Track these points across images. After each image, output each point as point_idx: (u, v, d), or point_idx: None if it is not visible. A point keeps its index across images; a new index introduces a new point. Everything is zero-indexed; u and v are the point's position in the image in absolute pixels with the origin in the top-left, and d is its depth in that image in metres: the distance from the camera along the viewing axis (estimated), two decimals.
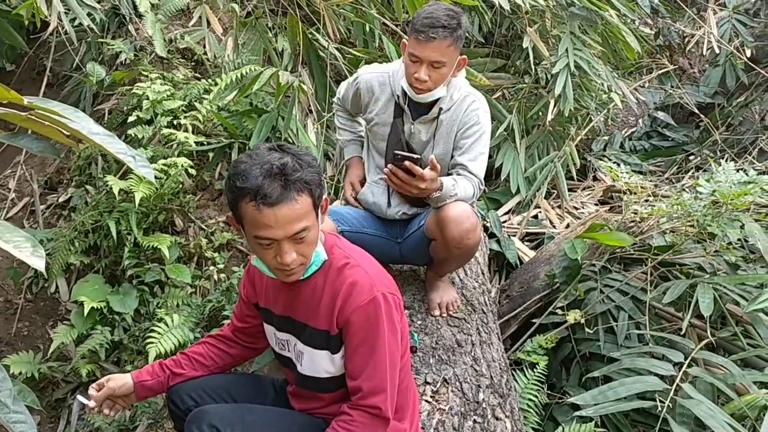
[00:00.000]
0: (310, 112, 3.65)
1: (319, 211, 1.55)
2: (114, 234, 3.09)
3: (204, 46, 3.87)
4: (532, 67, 4.32)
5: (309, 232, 1.50)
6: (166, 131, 3.28)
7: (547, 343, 2.79)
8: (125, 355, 3.00)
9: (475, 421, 2.08)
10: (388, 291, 1.61)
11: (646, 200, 3.21)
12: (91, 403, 1.81)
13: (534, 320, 2.97)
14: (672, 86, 5.76)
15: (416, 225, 2.43)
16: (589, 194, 4.55)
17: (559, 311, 2.85)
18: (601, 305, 2.82)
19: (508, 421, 2.17)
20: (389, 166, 2.17)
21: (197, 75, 3.89)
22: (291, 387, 1.85)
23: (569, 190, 4.35)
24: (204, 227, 3.40)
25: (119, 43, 3.85)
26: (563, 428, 2.41)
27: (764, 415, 2.10)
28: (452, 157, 2.36)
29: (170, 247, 3.11)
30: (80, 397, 1.86)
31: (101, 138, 1.07)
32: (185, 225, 3.40)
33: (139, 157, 1.12)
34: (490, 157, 3.14)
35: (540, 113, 4.39)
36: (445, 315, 2.50)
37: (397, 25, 4.03)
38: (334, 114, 2.71)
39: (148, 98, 3.40)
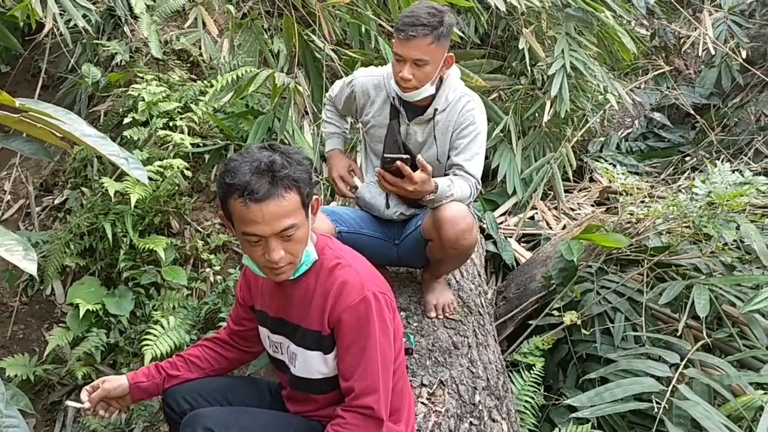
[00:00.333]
0: (306, 113, 3.65)
1: (309, 210, 1.55)
2: (110, 236, 3.08)
3: (200, 48, 3.87)
4: (528, 68, 4.32)
5: (297, 230, 1.50)
6: (161, 133, 3.27)
7: (543, 344, 2.79)
8: (121, 358, 2.99)
9: (471, 424, 2.08)
10: (379, 290, 1.61)
11: (642, 201, 3.22)
12: (86, 405, 1.80)
13: (530, 322, 2.97)
14: (668, 87, 5.76)
15: (413, 225, 2.43)
16: (585, 195, 4.55)
17: (555, 313, 2.85)
18: (598, 306, 2.82)
19: (504, 423, 2.17)
20: (376, 169, 2.17)
21: (193, 76, 3.88)
22: (285, 391, 1.84)
23: (565, 191, 4.36)
24: (200, 229, 3.39)
25: (115, 45, 3.84)
26: (560, 430, 2.40)
27: (760, 416, 2.10)
28: (449, 157, 2.36)
29: (166, 249, 3.10)
30: (70, 402, 1.86)
31: (93, 140, 1.07)
32: (181, 227, 3.40)
33: (131, 159, 1.11)
34: (486, 158, 3.14)
35: (536, 114, 4.40)
36: (441, 317, 2.50)
37: (392, 26, 4.03)
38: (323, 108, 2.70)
39: (143, 100, 3.39)
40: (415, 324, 2.47)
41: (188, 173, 3.25)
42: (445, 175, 2.33)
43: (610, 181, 4.02)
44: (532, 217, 4.11)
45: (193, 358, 1.88)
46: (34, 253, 0.97)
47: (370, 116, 2.41)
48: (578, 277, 2.94)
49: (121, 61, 3.88)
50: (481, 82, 3.73)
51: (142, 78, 3.56)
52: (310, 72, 3.71)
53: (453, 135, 2.33)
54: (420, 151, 2.35)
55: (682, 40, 5.88)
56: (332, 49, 3.64)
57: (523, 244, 3.79)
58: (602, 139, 5.49)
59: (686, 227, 2.93)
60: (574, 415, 2.29)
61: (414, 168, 2.09)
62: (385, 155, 2.15)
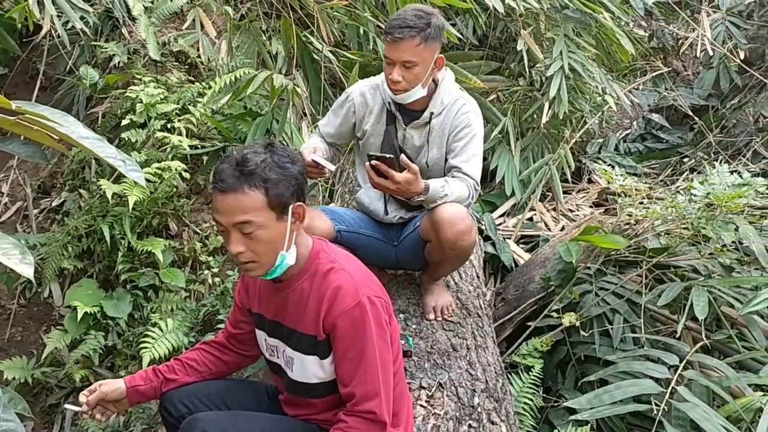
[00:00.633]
0: (305, 115, 3.64)
1: (286, 215, 1.54)
2: (108, 238, 3.08)
3: (198, 49, 3.86)
4: (527, 69, 4.32)
5: (258, 230, 1.50)
6: (159, 135, 3.26)
7: (542, 346, 2.79)
8: (119, 360, 2.99)
9: (470, 426, 2.07)
10: (374, 294, 1.60)
11: (641, 202, 3.21)
12: (84, 407, 1.79)
13: (529, 323, 2.96)
14: (666, 88, 5.76)
15: (412, 227, 2.43)
16: (583, 197, 4.55)
17: (554, 314, 2.85)
18: (596, 308, 2.82)
19: (503, 426, 2.16)
20: (366, 163, 2.18)
21: (191, 78, 3.88)
22: (283, 395, 1.83)
23: (564, 192, 4.35)
24: (198, 231, 3.38)
25: (112, 47, 3.84)
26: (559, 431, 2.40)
27: (759, 417, 2.10)
28: (446, 160, 2.37)
29: (164, 251, 3.10)
30: (68, 406, 1.86)
31: (90, 142, 1.06)
32: (179, 229, 3.39)
33: (129, 162, 1.11)
34: (485, 159, 3.14)
35: (534, 116, 4.39)
36: (440, 319, 2.50)
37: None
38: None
39: (141, 101, 3.39)
40: (413, 326, 2.46)
41: (186, 175, 3.25)
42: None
43: (608, 183, 4.01)
44: (530, 219, 4.11)
45: (191, 362, 1.88)
46: (31, 256, 0.97)
47: (369, 125, 2.41)
48: (577, 279, 2.94)
49: (119, 62, 3.88)
50: (479, 83, 3.73)
51: (140, 80, 3.56)
52: (308, 73, 3.70)
53: (449, 138, 2.35)
54: (418, 155, 2.36)
55: (680, 42, 5.88)
56: (330, 51, 3.64)
57: (521, 246, 3.78)
58: (600, 140, 5.49)
59: (685, 229, 2.93)
60: (573, 417, 2.29)
61: (396, 167, 2.11)
62: (369, 154, 2.18)
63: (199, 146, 3.41)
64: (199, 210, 3.49)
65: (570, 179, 4.59)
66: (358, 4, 3.74)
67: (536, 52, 4.10)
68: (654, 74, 5.82)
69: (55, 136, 1.06)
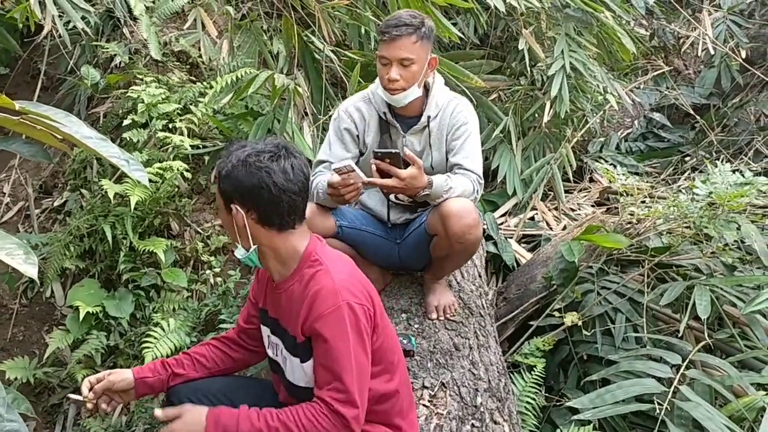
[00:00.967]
0: (306, 114, 3.64)
1: (230, 210, 1.62)
2: (109, 238, 3.07)
3: (199, 49, 3.86)
4: (528, 68, 4.32)
5: (223, 221, 1.70)
6: (161, 135, 3.26)
7: (544, 345, 2.79)
8: (121, 360, 2.99)
9: (473, 425, 2.07)
10: (355, 301, 1.57)
11: (643, 202, 3.21)
12: (90, 395, 1.78)
13: (531, 322, 2.96)
14: (667, 87, 5.76)
15: (417, 223, 2.44)
16: (585, 196, 4.54)
17: (556, 313, 2.85)
18: (599, 307, 2.82)
19: (506, 425, 2.16)
20: (370, 160, 2.18)
21: (192, 78, 3.87)
22: (281, 396, 1.83)
23: (565, 191, 4.35)
24: (200, 231, 3.38)
25: (114, 46, 3.83)
26: (561, 431, 2.40)
27: (762, 416, 2.10)
28: (447, 160, 2.39)
29: (166, 251, 3.10)
30: (73, 396, 1.85)
31: (94, 142, 1.06)
32: (181, 229, 3.39)
33: (132, 161, 1.11)
34: (486, 159, 3.14)
35: (536, 115, 4.39)
36: (442, 318, 2.50)
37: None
38: (313, 176, 2.38)
39: (143, 101, 3.39)
40: (416, 326, 2.46)
41: (188, 175, 3.24)
42: None
43: (610, 182, 4.01)
44: (532, 218, 4.11)
45: (199, 357, 1.89)
46: (35, 256, 0.97)
47: (370, 138, 2.42)
48: (579, 278, 2.94)
49: (120, 62, 3.88)
50: (480, 82, 3.72)
51: (142, 80, 3.56)
52: (309, 73, 3.70)
53: (448, 137, 2.37)
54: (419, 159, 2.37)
55: (681, 41, 5.88)
56: (332, 51, 3.63)
57: (523, 245, 3.78)
58: (602, 139, 5.49)
59: (687, 228, 2.93)
60: (575, 417, 2.29)
61: (406, 164, 2.13)
62: (374, 150, 2.18)
63: (201, 146, 3.41)
64: (200, 210, 3.48)
65: (571, 178, 4.59)
66: (360, 4, 3.73)
67: (537, 51, 4.10)
68: (655, 73, 5.82)
69: (58, 136, 1.06)
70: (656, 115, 5.63)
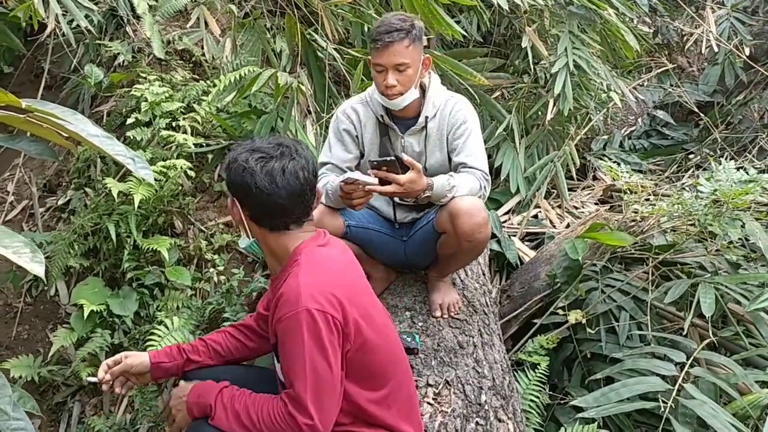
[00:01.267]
0: (309, 112, 3.64)
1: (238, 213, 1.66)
2: (113, 237, 3.08)
3: (202, 48, 3.86)
4: (531, 66, 4.31)
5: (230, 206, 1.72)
6: (164, 133, 3.26)
7: (548, 343, 2.78)
8: None
9: (477, 423, 2.07)
10: (316, 308, 1.50)
11: (647, 199, 3.20)
12: (107, 377, 1.82)
13: (535, 320, 2.96)
14: (671, 85, 5.75)
15: (424, 221, 2.44)
16: (589, 194, 4.54)
17: (560, 311, 2.84)
18: (603, 305, 2.81)
19: (510, 423, 2.16)
20: (369, 171, 2.17)
21: (195, 76, 3.88)
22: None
23: (569, 189, 4.34)
24: (204, 229, 3.39)
25: (117, 45, 3.83)
26: (565, 429, 2.40)
27: (767, 414, 2.09)
28: (450, 160, 2.38)
29: (170, 249, 3.10)
30: (90, 378, 1.89)
31: (100, 140, 1.06)
32: (185, 227, 3.39)
33: (138, 159, 1.11)
34: (489, 156, 3.13)
35: (539, 113, 4.39)
36: (446, 316, 2.50)
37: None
38: (321, 175, 2.37)
39: (146, 100, 3.39)
40: (420, 324, 2.46)
41: (192, 173, 3.24)
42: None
43: (613, 179, 4.00)
44: (535, 216, 4.10)
45: (215, 345, 1.91)
46: (42, 255, 0.97)
47: (368, 140, 2.42)
48: (583, 276, 2.93)
49: (123, 61, 3.88)
50: (483, 80, 3.71)
51: (145, 78, 3.56)
52: (312, 71, 3.70)
53: (449, 137, 2.37)
54: (418, 161, 2.36)
55: (685, 38, 5.86)
56: (335, 49, 3.63)
57: (526, 243, 3.78)
58: (605, 137, 5.48)
59: (691, 225, 2.92)
60: (580, 415, 2.29)
61: (405, 168, 2.13)
62: (370, 160, 2.19)
63: (204, 144, 3.42)
64: (204, 208, 3.49)
65: (575, 176, 4.59)
66: (363, 2, 3.73)
67: (541, 49, 4.10)
68: (659, 71, 5.82)
69: (64, 134, 1.07)
70: (660, 113, 5.62)
